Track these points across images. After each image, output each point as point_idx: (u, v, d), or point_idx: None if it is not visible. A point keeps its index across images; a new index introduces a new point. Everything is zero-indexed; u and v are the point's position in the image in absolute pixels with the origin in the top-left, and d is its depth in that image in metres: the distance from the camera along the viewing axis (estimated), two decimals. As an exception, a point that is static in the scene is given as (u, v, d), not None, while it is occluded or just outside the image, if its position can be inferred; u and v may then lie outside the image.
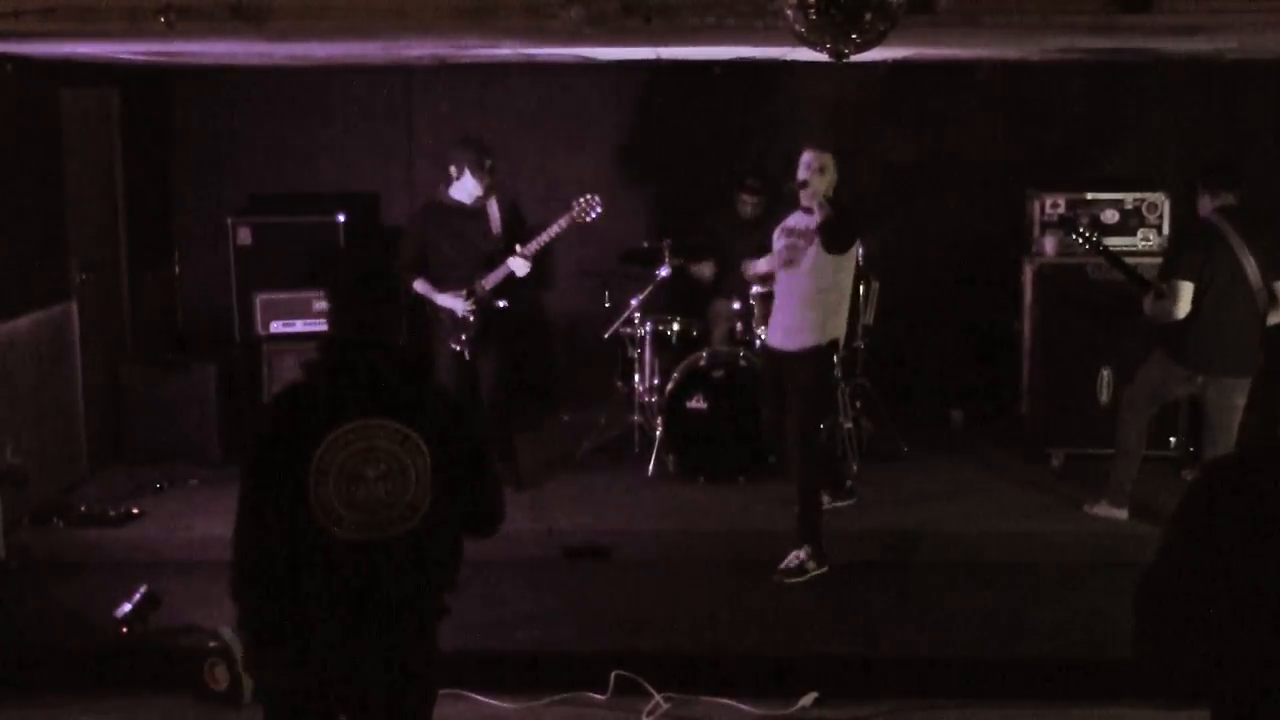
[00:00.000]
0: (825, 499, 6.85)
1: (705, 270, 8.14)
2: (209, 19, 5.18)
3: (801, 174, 6.39)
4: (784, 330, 6.54)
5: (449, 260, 7.11)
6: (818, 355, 6.46)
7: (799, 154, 6.45)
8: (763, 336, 7.06)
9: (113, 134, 8.30)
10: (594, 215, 7.07)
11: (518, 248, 7.02)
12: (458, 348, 7.07)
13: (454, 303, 7.05)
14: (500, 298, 7.10)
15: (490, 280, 7.05)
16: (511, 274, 7.04)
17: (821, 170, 6.36)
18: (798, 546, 6.40)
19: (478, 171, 7.06)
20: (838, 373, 6.90)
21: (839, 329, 6.55)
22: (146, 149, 8.68)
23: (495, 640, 5.78)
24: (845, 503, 7.06)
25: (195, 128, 9.04)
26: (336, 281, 3.57)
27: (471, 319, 7.05)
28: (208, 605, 5.96)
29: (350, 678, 3.46)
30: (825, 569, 6.40)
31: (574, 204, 7.06)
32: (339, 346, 3.52)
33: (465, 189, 7.10)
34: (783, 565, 6.40)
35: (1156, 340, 6.70)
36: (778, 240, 6.61)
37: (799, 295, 6.47)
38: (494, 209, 7.19)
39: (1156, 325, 6.62)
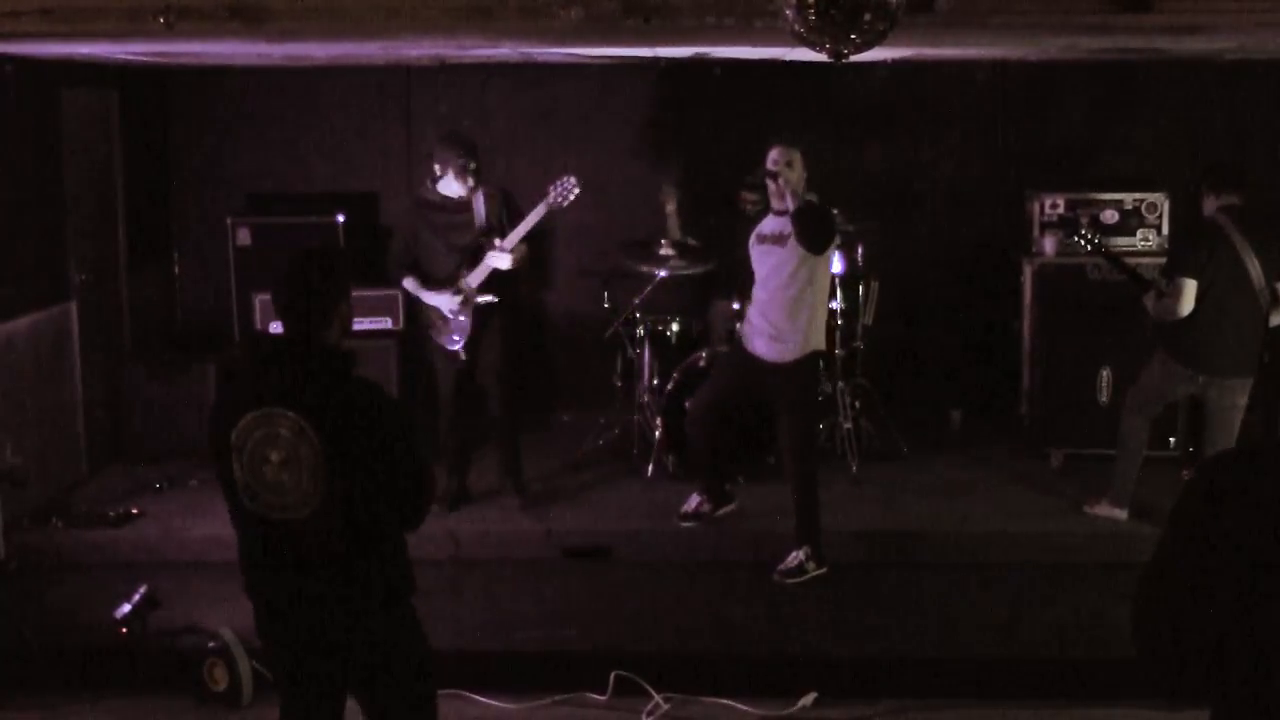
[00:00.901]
0: (706, 507, 6.87)
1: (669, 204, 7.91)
2: (208, 19, 5.17)
3: (770, 167, 6.21)
4: (767, 339, 6.39)
5: (436, 256, 6.97)
6: (807, 366, 6.40)
7: (766, 152, 6.25)
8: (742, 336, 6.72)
9: (112, 134, 8.29)
10: (572, 198, 6.80)
11: (497, 242, 6.84)
12: (453, 347, 6.97)
13: (440, 300, 6.91)
14: (489, 292, 6.92)
15: (474, 277, 6.88)
16: (494, 269, 6.87)
17: (789, 164, 6.19)
18: (797, 546, 6.41)
19: (460, 174, 6.87)
20: (824, 379, 6.74)
21: (822, 340, 6.48)
22: (146, 149, 8.67)
23: (495, 640, 5.79)
24: (725, 509, 6.95)
25: (194, 128, 9.04)
26: None
27: (463, 318, 6.91)
28: (208, 605, 5.97)
29: (294, 646, 3.75)
30: (825, 569, 6.40)
31: (550, 189, 6.82)
32: (263, 340, 3.72)
33: (449, 185, 6.95)
34: (782, 565, 6.40)
35: (1158, 341, 6.70)
36: (753, 249, 6.46)
37: (779, 303, 6.32)
38: (480, 202, 6.96)
39: (1158, 325, 6.62)
